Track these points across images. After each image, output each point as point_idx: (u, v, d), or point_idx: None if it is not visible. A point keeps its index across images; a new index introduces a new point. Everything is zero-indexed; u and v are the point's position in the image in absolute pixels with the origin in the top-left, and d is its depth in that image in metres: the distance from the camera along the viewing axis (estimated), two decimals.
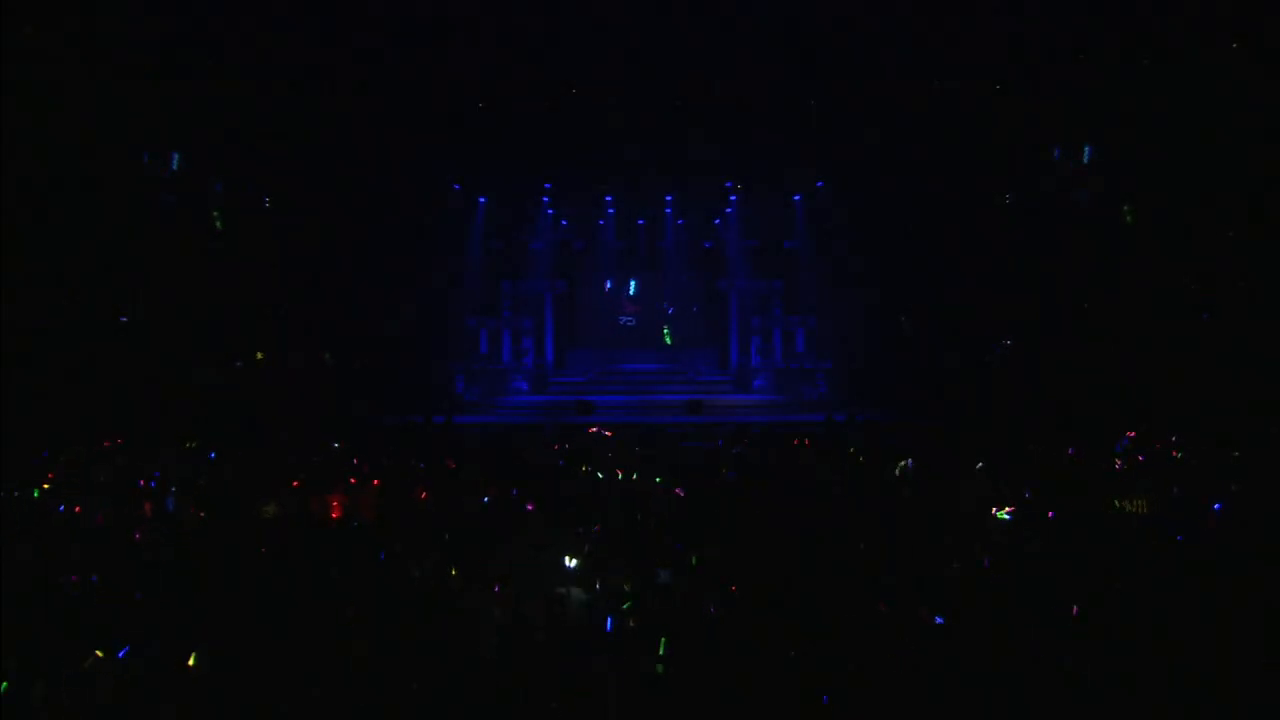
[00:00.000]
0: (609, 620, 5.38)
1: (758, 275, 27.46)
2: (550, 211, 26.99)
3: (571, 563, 6.81)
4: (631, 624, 5.51)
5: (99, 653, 4.72)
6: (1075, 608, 5.43)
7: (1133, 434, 13.74)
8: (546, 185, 25.34)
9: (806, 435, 15.43)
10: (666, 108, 19.82)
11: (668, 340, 28.89)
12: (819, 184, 24.84)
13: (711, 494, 9.78)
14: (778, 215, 26.52)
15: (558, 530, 7.67)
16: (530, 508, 9.02)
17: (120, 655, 4.84)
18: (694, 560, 6.75)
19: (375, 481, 10.20)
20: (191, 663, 4.81)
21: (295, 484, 10.04)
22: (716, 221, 27.53)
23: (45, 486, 9.95)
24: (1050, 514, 8.27)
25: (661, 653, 4.92)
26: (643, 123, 20.17)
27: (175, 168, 19.05)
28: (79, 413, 15.74)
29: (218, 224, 20.33)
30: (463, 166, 23.55)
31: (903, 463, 11.29)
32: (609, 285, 28.74)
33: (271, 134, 19.45)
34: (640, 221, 27.52)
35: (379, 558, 7.08)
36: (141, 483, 10.40)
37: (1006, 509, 8.44)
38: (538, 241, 27.42)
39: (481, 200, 26.09)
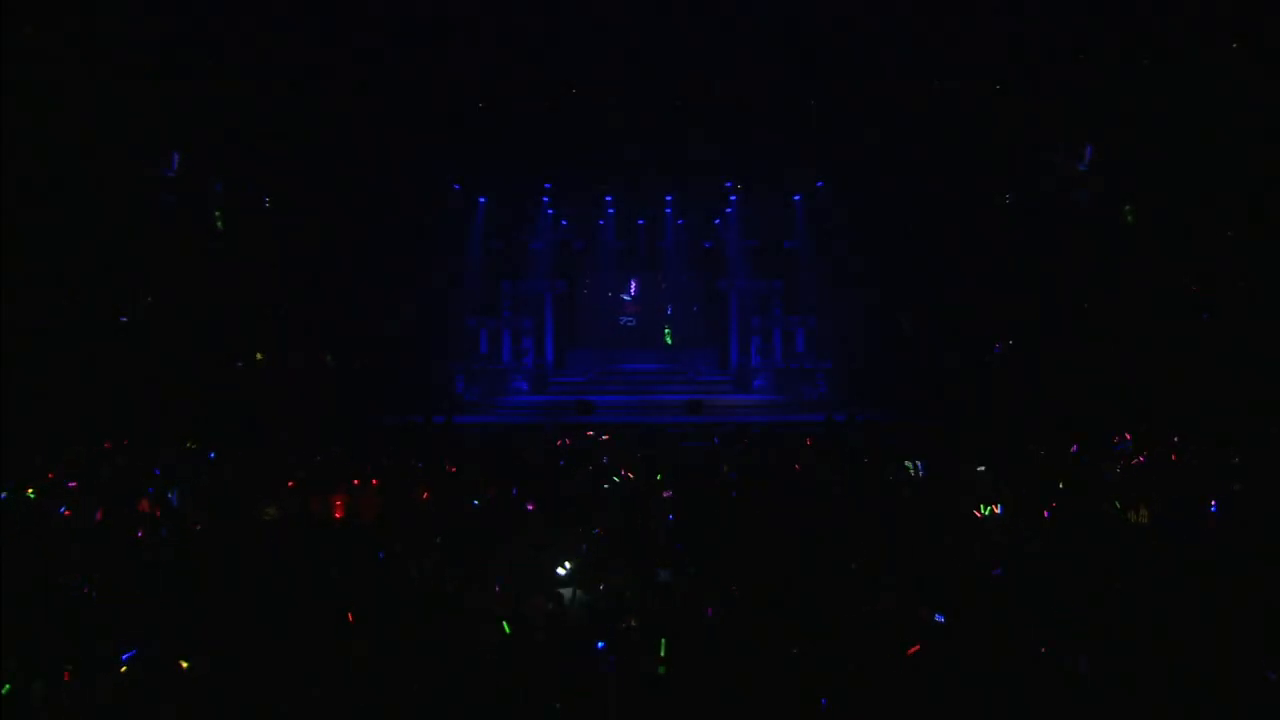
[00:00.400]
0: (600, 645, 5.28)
1: (758, 275, 27.46)
2: (550, 211, 26.99)
3: (564, 569, 6.78)
4: (632, 623, 5.51)
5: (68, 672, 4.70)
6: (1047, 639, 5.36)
7: (1128, 436, 13.74)
8: (546, 185, 25.34)
9: (805, 435, 15.42)
10: (666, 108, 19.82)
11: (668, 340, 28.89)
12: (819, 184, 24.84)
13: (711, 494, 9.77)
14: (778, 215, 26.52)
15: (557, 530, 7.67)
16: (530, 508, 9.01)
17: (125, 658, 4.84)
18: (692, 571, 6.73)
19: (374, 481, 10.20)
20: (185, 666, 4.80)
21: (296, 484, 10.04)
22: (716, 221, 27.53)
23: (33, 488, 9.91)
24: (1048, 514, 8.27)
25: (663, 654, 4.92)
26: (643, 123, 20.17)
27: (175, 168, 19.04)
28: (79, 413, 15.74)
29: (218, 224, 20.33)
30: (463, 166, 23.55)
31: (910, 463, 11.29)
32: (630, 292, 28.79)
33: (271, 134, 19.44)
34: (640, 221, 27.52)
35: (379, 558, 7.08)
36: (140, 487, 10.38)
37: (995, 506, 8.44)
38: (538, 241, 27.41)
39: (481, 200, 26.08)
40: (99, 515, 8.77)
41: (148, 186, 18.84)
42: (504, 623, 5.32)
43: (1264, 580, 5.98)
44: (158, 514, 9.10)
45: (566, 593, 6.35)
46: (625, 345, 28.59)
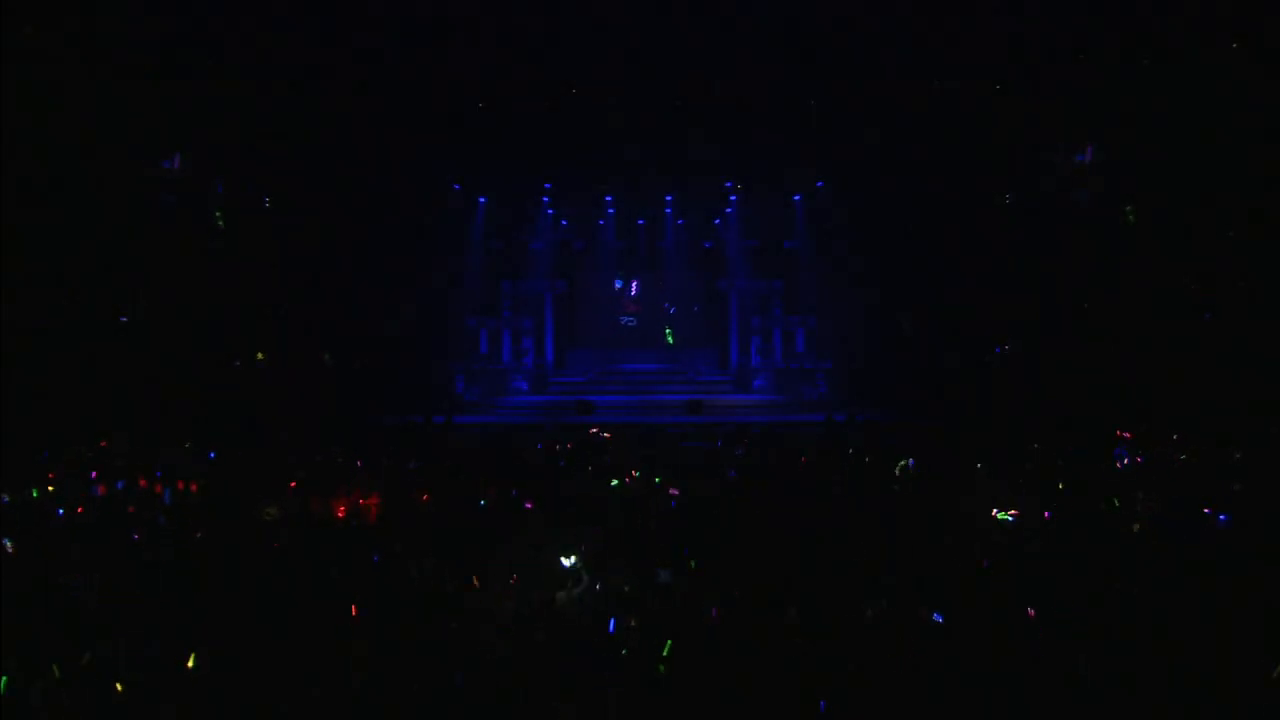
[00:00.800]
0: (611, 622, 5.36)
1: (758, 275, 27.46)
2: (550, 211, 26.99)
3: (569, 561, 6.78)
4: (632, 623, 5.51)
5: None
6: (1030, 610, 5.40)
7: (1129, 435, 13.73)
8: (546, 185, 25.35)
9: (804, 437, 15.42)
10: (666, 108, 19.82)
11: (670, 340, 28.89)
12: (819, 184, 24.84)
13: (711, 494, 9.77)
14: (778, 215, 26.52)
15: (558, 530, 7.66)
16: (529, 506, 9.02)
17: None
18: (692, 564, 6.74)
19: (371, 492, 10.15)
20: (191, 664, 4.80)
21: (295, 485, 10.03)
22: (716, 221, 27.53)
23: (49, 487, 9.92)
24: (1049, 514, 8.27)
25: (665, 654, 4.92)
26: (643, 123, 20.17)
27: (175, 168, 19.04)
28: (79, 413, 15.73)
29: (219, 224, 20.32)
30: (463, 166, 23.55)
31: (903, 462, 11.30)
32: (630, 291, 28.82)
33: (271, 134, 19.45)
34: (640, 221, 27.52)
35: (381, 559, 7.07)
36: (142, 483, 10.38)
37: (1010, 511, 8.42)
38: (538, 241, 27.42)
39: (481, 200, 26.09)
40: (101, 490, 8.79)
41: (148, 186, 18.84)
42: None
43: (1264, 580, 5.97)
44: (158, 490, 9.12)
45: (562, 595, 6.34)
46: (625, 345, 28.60)
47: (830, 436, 16.02)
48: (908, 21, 17.02)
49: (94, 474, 10.58)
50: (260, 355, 22.06)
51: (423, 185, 23.60)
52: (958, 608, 5.52)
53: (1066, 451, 12.44)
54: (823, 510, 8.75)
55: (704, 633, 5.38)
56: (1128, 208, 19.70)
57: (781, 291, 27.52)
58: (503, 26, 17.34)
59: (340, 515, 9.06)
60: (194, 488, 9.32)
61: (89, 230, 17.21)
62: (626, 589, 6.24)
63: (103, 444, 13.73)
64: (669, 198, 26.22)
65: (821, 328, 26.58)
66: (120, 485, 9.65)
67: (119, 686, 4.62)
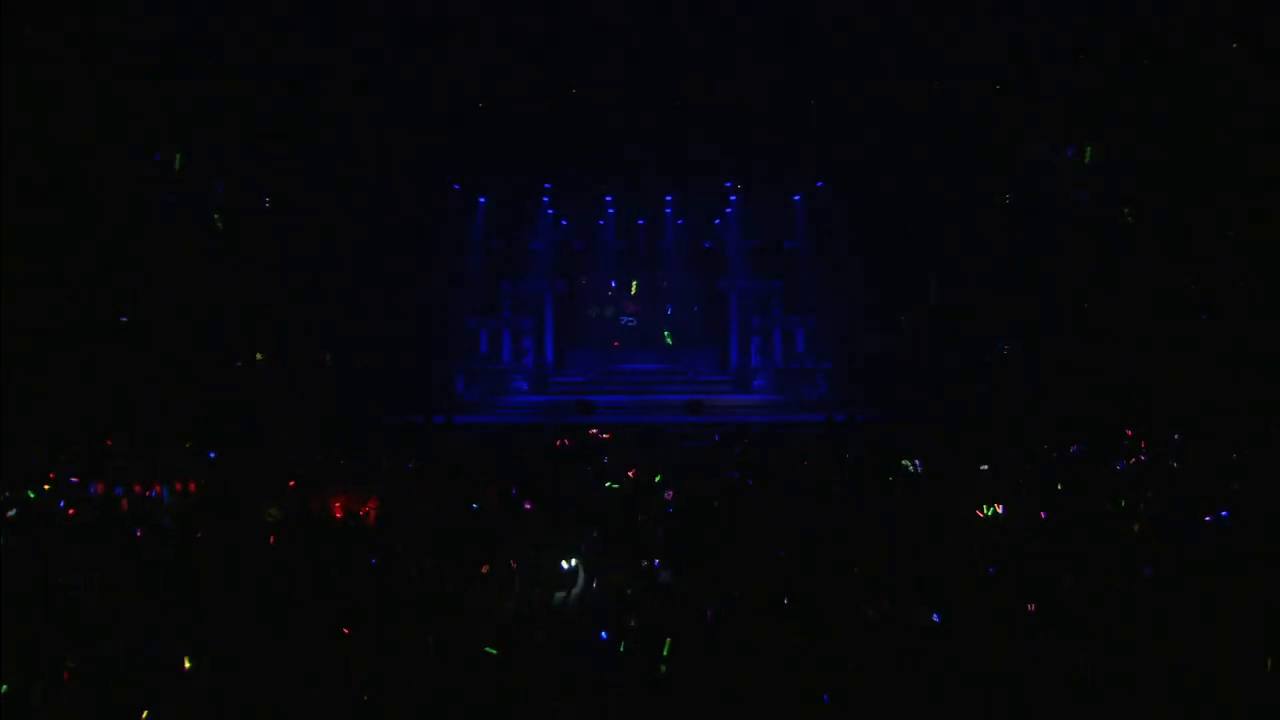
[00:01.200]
0: (604, 633, 5.33)
1: (758, 275, 27.45)
2: (550, 211, 26.99)
3: (569, 564, 6.78)
4: (632, 623, 5.51)
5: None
6: (1031, 605, 5.42)
7: (1130, 433, 13.74)
8: (546, 185, 25.35)
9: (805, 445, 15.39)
10: (666, 108, 19.83)
11: (669, 342, 28.89)
12: (819, 184, 24.84)
13: (711, 494, 9.76)
14: (778, 215, 26.51)
15: (557, 530, 7.66)
16: (528, 507, 9.01)
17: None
18: (690, 568, 6.73)
19: (370, 493, 10.15)
20: (188, 665, 4.80)
21: (295, 485, 10.03)
22: (716, 221, 27.53)
23: (32, 488, 9.89)
24: (1047, 514, 8.27)
25: (666, 653, 4.92)
26: (643, 123, 20.17)
27: (176, 168, 19.05)
28: (79, 413, 15.73)
29: (218, 224, 20.34)
30: (463, 166, 23.55)
31: (907, 462, 11.30)
32: (630, 291, 28.82)
33: (271, 134, 19.45)
34: (640, 221, 27.52)
35: (382, 559, 7.07)
36: (137, 488, 10.36)
37: (997, 506, 8.43)
38: (538, 241, 27.42)
39: (481, 200, 26.09)
40: (100, 489, 8.78)
41: (148, 186, 18.84)
42: (490, 649, 5.25)
43: (1264, 580, 5.97)
44: (157, 489, 9.12)
45: (560, 595, 6.34)
46: (625, 345, 28.60)
47: (830, 436, 16.01)
48: (908, 21, 17.02)
49: (85, 473, 10.57)
50: (260, 355, 22.06)
51: (423, 185, 23.60)
52: (958, 608, 5.52)
53: (1067, 451, 12.44)
54: (823, 510, 8.75)
55: (704, 633, 5.38)
56: (1127, 208, 19.71)
57: (781, 291, 27.51)
58: (503, 26, 17.35)
59: (340, 515, 9.06)
60: (193, 487, 9.31)
61: (89, 230, 17.21)
62: (628, 590, 6.24)
63: (108, 443, 13.72)
64: (669, 198, 26.21)
65: (821, 328, 26.57)
66: (119, 490, 9.64)
67: (119, 686, 4.62)
